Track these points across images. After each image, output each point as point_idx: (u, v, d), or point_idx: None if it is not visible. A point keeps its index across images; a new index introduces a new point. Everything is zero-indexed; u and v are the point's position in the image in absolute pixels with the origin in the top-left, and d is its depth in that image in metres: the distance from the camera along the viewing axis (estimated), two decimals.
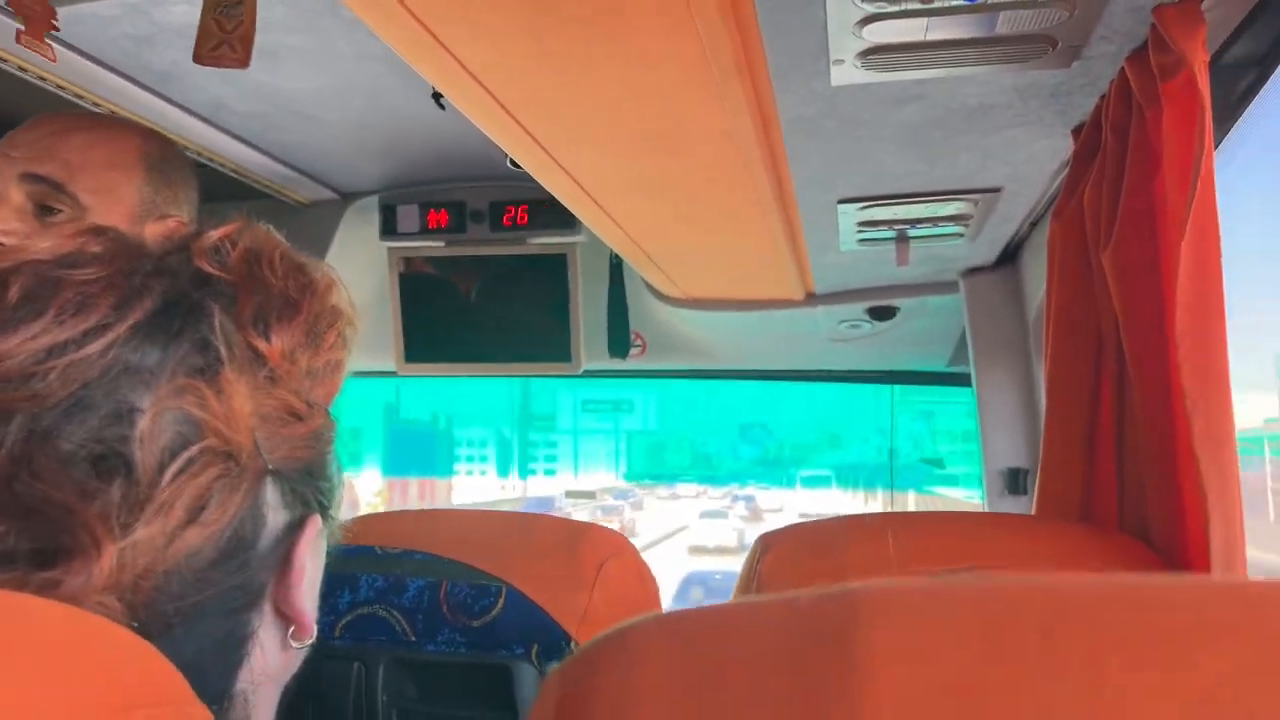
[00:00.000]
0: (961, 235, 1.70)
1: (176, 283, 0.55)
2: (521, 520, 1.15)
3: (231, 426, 0.52)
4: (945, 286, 2.04)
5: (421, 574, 1.02)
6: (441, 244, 2.27)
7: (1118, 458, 1.11)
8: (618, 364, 2.43)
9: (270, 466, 0.56)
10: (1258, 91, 1.09)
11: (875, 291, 2.13)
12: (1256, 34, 1.04)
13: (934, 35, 0.98)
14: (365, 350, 2.49)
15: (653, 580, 1.11)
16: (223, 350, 0.53)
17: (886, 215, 1.58)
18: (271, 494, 0.56)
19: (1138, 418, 1.04)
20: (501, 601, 1.01)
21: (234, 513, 0.52)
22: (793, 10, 0.94)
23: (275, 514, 0.57)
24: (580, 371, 2.32)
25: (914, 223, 1.63)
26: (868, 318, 2.22)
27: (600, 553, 1.06)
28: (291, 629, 0.60)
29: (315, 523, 0.60)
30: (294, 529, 0.59)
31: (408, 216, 2.23)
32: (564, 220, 2.09)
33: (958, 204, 1.53)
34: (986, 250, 1.85)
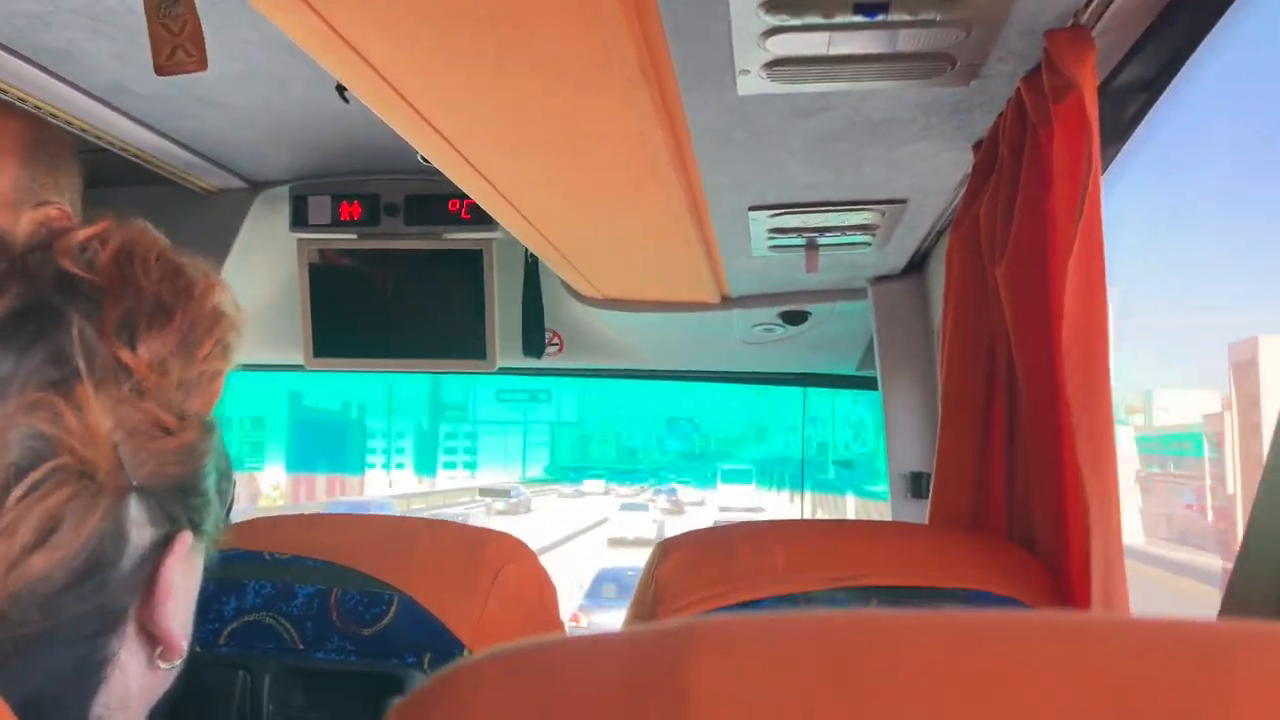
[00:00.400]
0: (869, 244, 1.73)
1: (35, 285, 0.52)
2: (417, 526, 1.13)
3: (88, 443, 0.49)
4: (855, 293, 2.08)
5: (311, 580, 1.00)
6: (354, 237, 2.22)
7: (1008, 468, 1.14)
8: (534, 363, 2.42)
9: (135, 483, 0.53)
10: (1145, 115, 1.13)
11: (787, 296, 2.15)
12: (1145, 59, 1.08)
13: (837, 50, 0.99)
14: (272, 344, 2.43)
15: (551, 586, 1.10)
16: (80, 362, 0.50)
17: (796, 223, 1.60)
18: (136, 511, 0.54)
19: (1026, 429, 1.07)
20: (394, 609, 0.99)
21: (90, 534, 0.50)
22: (698, 21, 0.95)
23: (140, 532, 0.54)
24: (495, 369, 2.30)
25: (823, 231, 1.66)
26: (780, 322, 2.25)
27: (497, 559, 1.05)
28: (159, 649, 0.58)
29: (185, 540, 0.57)
30: (161, 547, 0.56)
31: (319, 208, 2.18)
32: (481, 216, 2.07)
33: (865, 214, 1.55)
34: (894, 259, 1.89)
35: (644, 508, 32.11)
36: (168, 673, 0.60)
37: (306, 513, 1.37)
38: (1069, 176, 0.98)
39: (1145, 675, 0.29)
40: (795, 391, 2.96)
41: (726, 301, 2.18)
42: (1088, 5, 0.95)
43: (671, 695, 0.28)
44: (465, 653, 0.97)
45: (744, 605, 0.97)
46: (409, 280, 2.29)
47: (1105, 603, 0.91)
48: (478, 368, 2.28)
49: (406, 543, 1.06)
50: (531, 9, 0.88)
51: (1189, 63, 1.05)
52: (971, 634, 0.31)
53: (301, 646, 0.99)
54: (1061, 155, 0.98)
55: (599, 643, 0.32)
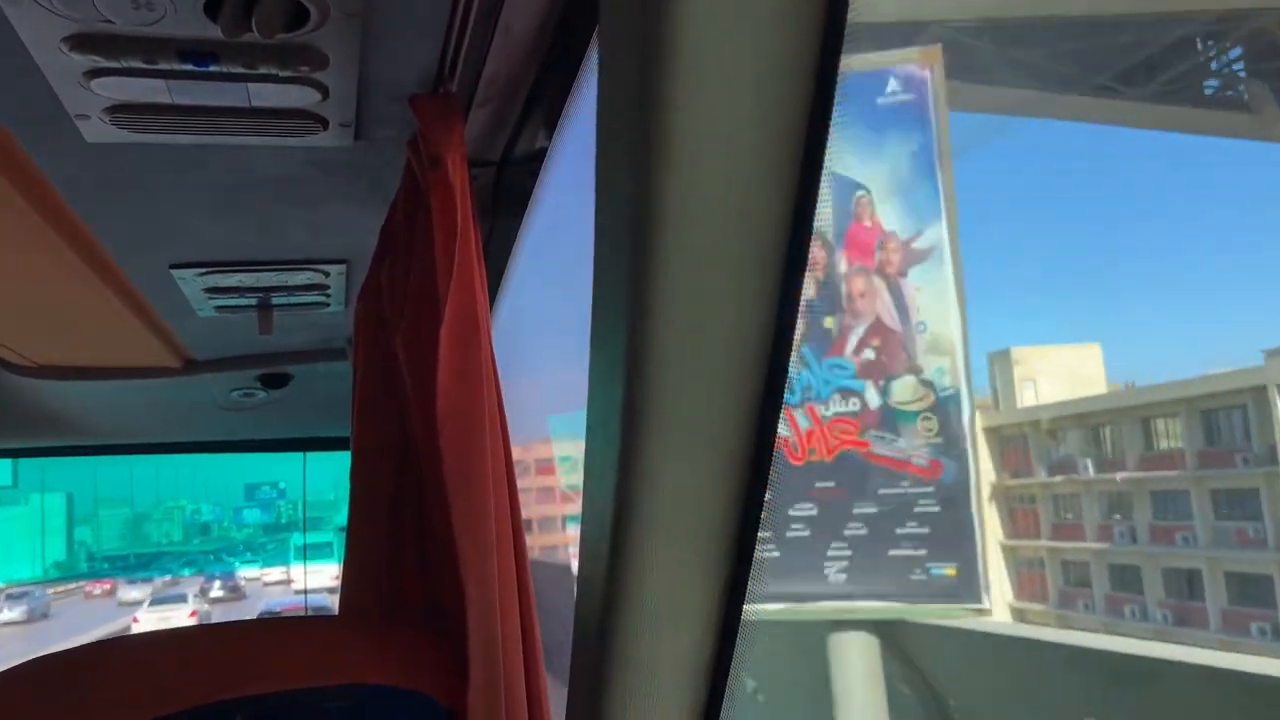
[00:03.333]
0: (328, 304, 1.64)
1: None
2: None
3: None
4: (336, 353, 1.98)
5: None
6: None
7: (419, 549, 1.09)
8: None
9: None
10: (537, 186, 1.17)
11: (263, 359, 1.99)
12: (533, 129, 1.11)
13: (183, 99, 0.89)
14: None
15: None
16: None
17: (234, 282, 1.47)
18: None
19: (429, 508, 1.03)
20: None
21: None
22: None
23: None
24: None
25: (272, 290, 1.54)
26: (260, 385, 2.08)
27: None
28: None
29: None
30: None
31: None
32: None
33: (307, 274, 1.46)
34: None
35: (182, 599, 27.66)
36: None
37: None
38: (445, 246, 0.95)
39: None
40: None
41: (192, 365, 1.96)
42: (453, 74, 0.95)
43: None
44: None
45: None
46: None
47: (488, 682, 0.89)
48: None
49: None
50: None
51: (567, 130, 1.09)
52: None
53: None
54: (438, 225, 0.96)
55: None
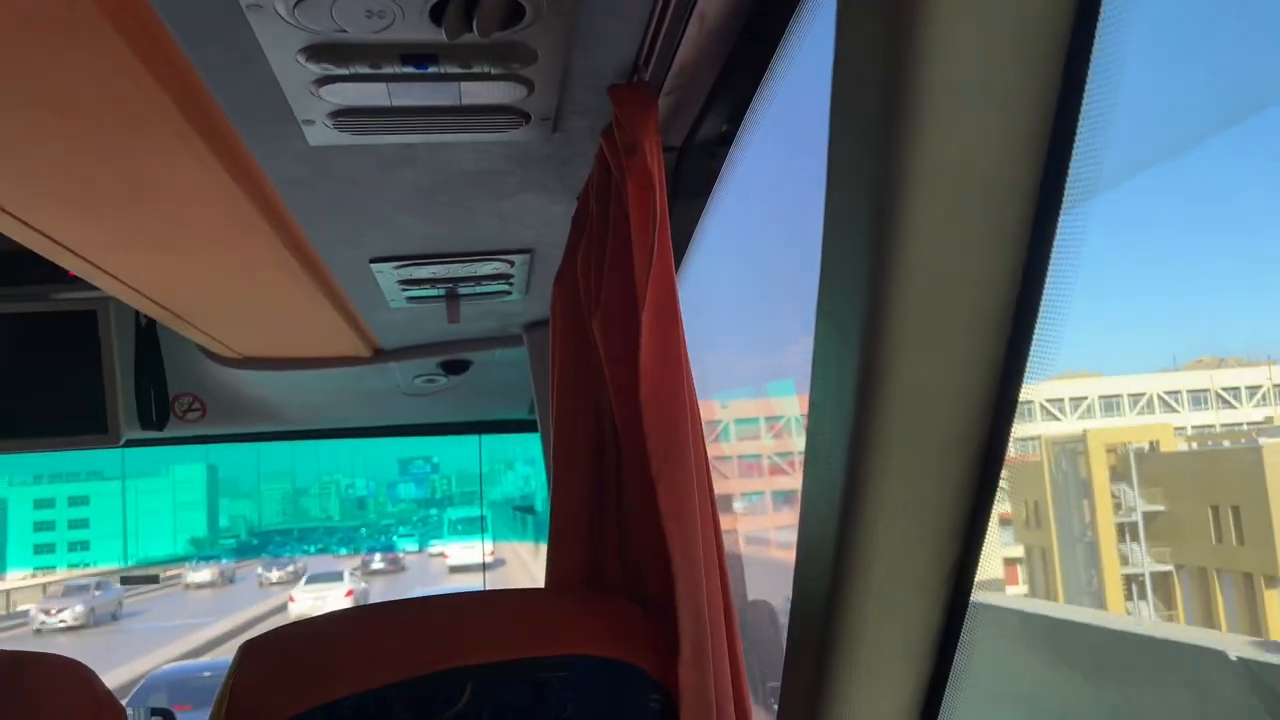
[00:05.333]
0: (511, 292, 1.70)
1: None
2: None
3: None
4: (512, 340, 2.05)
5: None
6: None
7: (619, 524, 1.13)
8: (173, 430, 2.18)
9: None
10: (723, 169, 1.17)
11: (445, 346, 2.09)
12: (718, 115, 1.12)
13: (400, 101, 0.94)
14: None
15: (116, 709, 0.95)
16: None
17: (427, 274, 1.54)
18: None
19: (630, 484, 1.06)
20: None
21: None
22: (236, 69, 0.86)
23: None
24: (121, 442, 2.05)
25: (459, 281, 1.61)
26: (441, 372, 2.18)
27: (41, 687, 0.89)
28: None
29: None
30: None
31: None
32: None
33: (495, 264, 1.52)
34: (542, 305, 1.87)
35: (337, 577, 25.87)
36: None
37: None
38: (643, 231, 0.98)
39: None
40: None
41: (380, 354, 2.08)
42: (648, 63, 0.96)
43: None
44: None
45: (325, 708, 0.87)
46: (10, 348, 1.99)
47: (696, 655, 0.91)
48: (98, 443, 2.02)
49: None
50: (29, 49, 0.76)
51: (755, 113, 1.10)
52: None
53: None
54: (636, 210, 0.99)
55: None
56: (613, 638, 0.98)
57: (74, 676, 0.93)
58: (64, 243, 1.25)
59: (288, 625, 1.00)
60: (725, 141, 1.16)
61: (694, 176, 1.22)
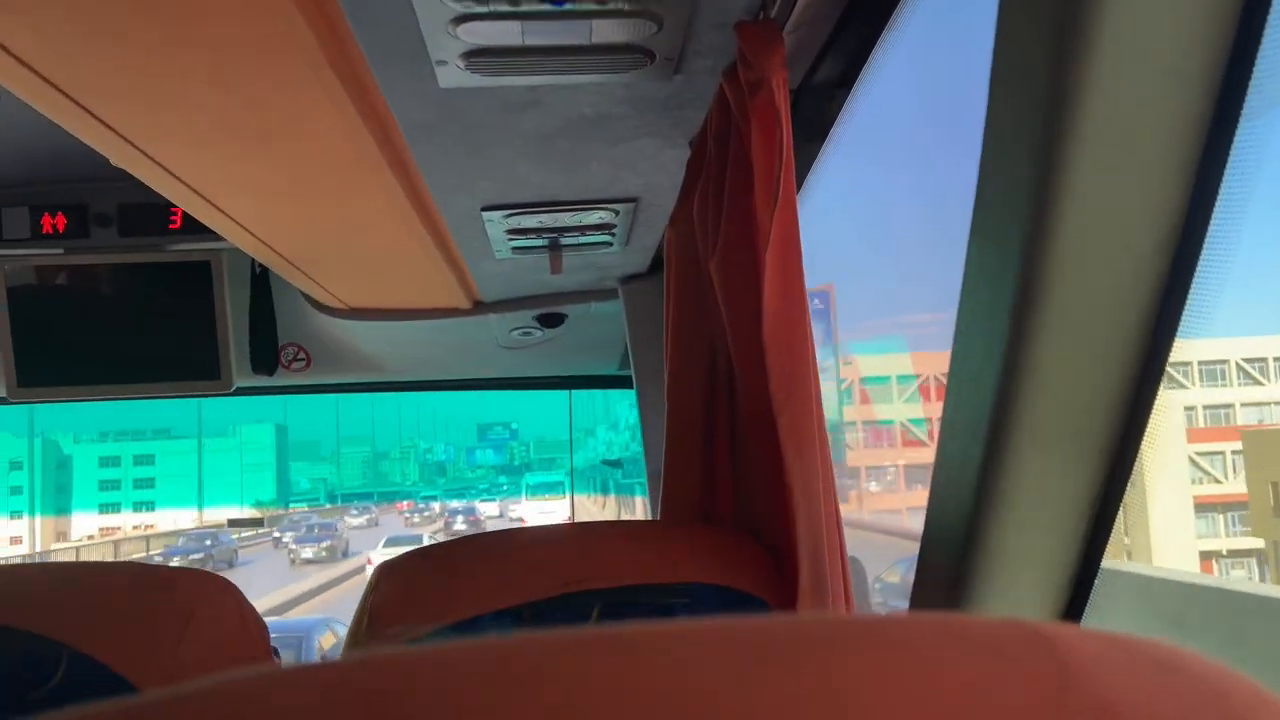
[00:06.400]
0: (612, 243, 1.72)
1: None
2: (92, 572, 1.01)
3: None
4: (607, 294, 2.08)
5: None
6: (60, 251, 2.00)
7: (732, 459, 1.15)
8: (277, 380, 2.27)
9: None
10: (842, 111, 1.17)
11: (541, 299, 2.12)
12: (838, 55, 1.12)
13: (532, 40, 0.96)
14: None
15: (259, 623, 1.01)
16: None
17: (534, 224, 1.57)
18: None
19: (744, 419, 1.08)
20: (62, 668, 0.87)
21: None
22: (379, 6, 0.89)
23: None
24: (232, 389, 2.13)
25: (563, 231, 1.63)
26: (537, 325, 2.21)
27: (188, 601, 0.95)
28: None
29: None
30: None
31: (15, 220, 1.94)
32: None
33: (600, 213, 1.54)
34: (639, 258, 1.89)
35: (416, 540, 26.61)
36: None
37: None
38: (767, 170, 0.99)
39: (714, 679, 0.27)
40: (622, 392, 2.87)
41: (480, 306, 2.12)
42: (774, 1, 0.97)
43: None
44: None
45: (462, 624, 0.92)
46: (128, 297, 2.09)
47: (815, 585, 0.93)
48: (211, 389, 2.11)
49: (76, 592, 0.94)
50: None
51: (876, 56, 1.09)
52: (624, 649, 0.28)
53: None
54: (760, 149, 0.99)
55: (300, 674, 0.27)
56: (732, 569, 1.01)
57: (222, 590, 0.98)
58: (190, 183, 1.30)
59: (420, 548, 1.04)
60: (844, 84, 1.16)
61: (809, 120, 1.22)
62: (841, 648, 0.29)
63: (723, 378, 1.15)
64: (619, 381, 2.64)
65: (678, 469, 1.18)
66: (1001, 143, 0.59)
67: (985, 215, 0.62)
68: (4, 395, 2.09)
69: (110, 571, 0.99)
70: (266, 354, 2.12)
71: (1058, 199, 0.55)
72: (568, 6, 0.89)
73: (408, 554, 1.03)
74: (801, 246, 0.98)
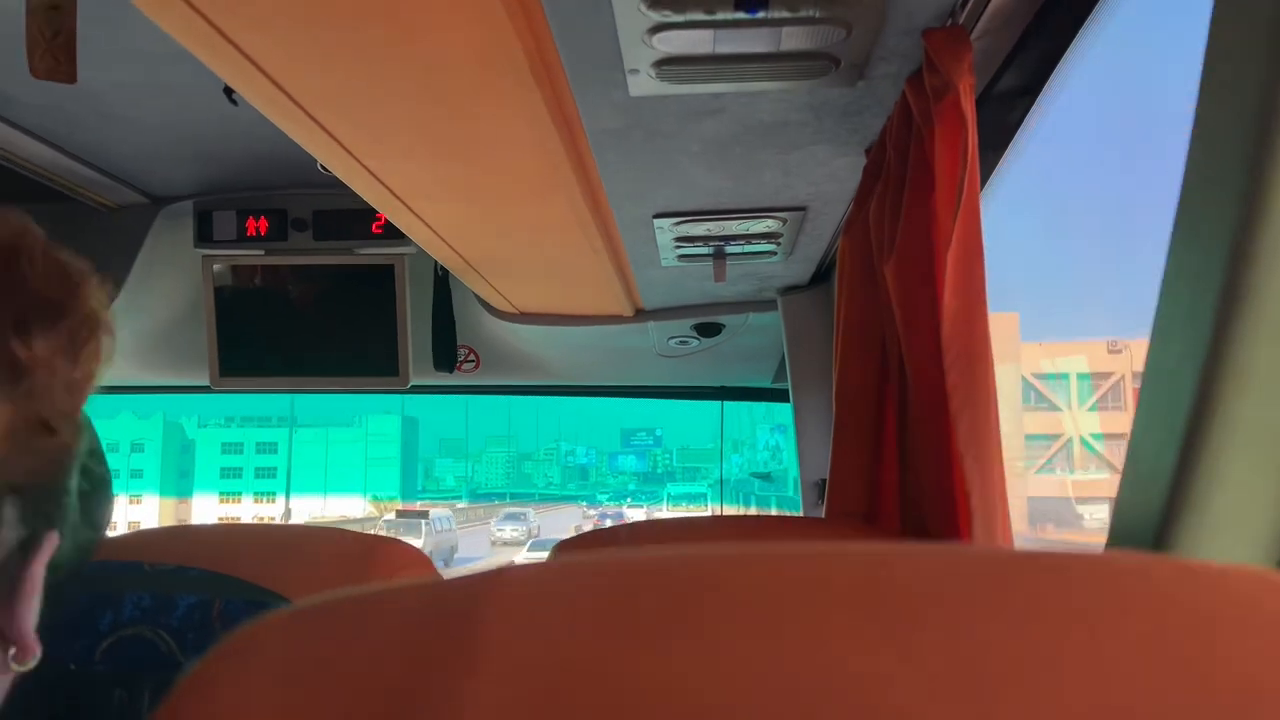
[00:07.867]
0: (775, 253, 1.75)
1: None
2: (306, 534, 1.11)
3: None
4: (765, 305, 2.10)
5: (193, 591, 0.96)
6: (261, 253, 2.18)
7: (900, 461, 1.15)
8: (448, 380, 2.39)
9: (10, 483, 0.52)
10: (1025, 119, 1.17)
11: (700, 309, 2.17)
12: (1024, 62, 1.12)
13: (723, 48, 1.00)
14: (175, 364, 2.37)
15: None
16: None
17: (701, 231, 1.62)
18: (9, 510, 0.52)
19: (915, 422, 1.09)
20: None
21: None
22: (583, 17, 0.95)
23: (10, 531, 0.53)
24: (408, 387, 2.27)
25: (729, 239, 1.67)
26: (695, 334, 2.26)
27: (390, 567, 1.02)
28: (13, 651, 0.56)
29: (53, 540, 0.56)
30: (29, 547, 0.54)
31: (224, 223, 2.14)
32: (392, 230, 2.05)
33: (768, 222, 1.57)
34: (800, 269, 1.91)
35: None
36: (11, 675, 0.58)
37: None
38: (950, 174, 1.00)
39: (928, 595, 0.29)
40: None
41: (640, 314, 2.19)
42: (964, 5, 0.98)
43: (459, 640, 0.28)
44: None
45: None
46: (319, 297, 2.25)
47: None
48: (389, 386, 2.25)
49: (293, 550, 1.03)
50: (411, 4, 0.88)
51: (1064, 64, 1.09)
52: (767, 566, 0.31)
53: (184, 660, 0.95)
54: (943, 154, 1.01)
55: (387, 596, 0.31)
56: None
57: (416, 560, 1.06)
58: (396, 192, 1.41)
59: (595, 530, 1.10)
60: (1028, 93, 1.16)
61: (989, 128, 1.22)
62: (1080, 578, 0.31)
63: (893, 380, 1.16)
64: (773, 394, 2.65)
65: (844, 469, 1.20)
66: (1211, 145, 0.59)
67: (1191, 216, 0.62)
68: (208, 384, 2.28)
69: (321, 534, 1.08)
70: (447, 353, 2.25)
71: (1269, 202, 0.55)
72: (761, 15, 0.93)
73: (585, 534, 1.08)
74: (984, 250, 0.98)
